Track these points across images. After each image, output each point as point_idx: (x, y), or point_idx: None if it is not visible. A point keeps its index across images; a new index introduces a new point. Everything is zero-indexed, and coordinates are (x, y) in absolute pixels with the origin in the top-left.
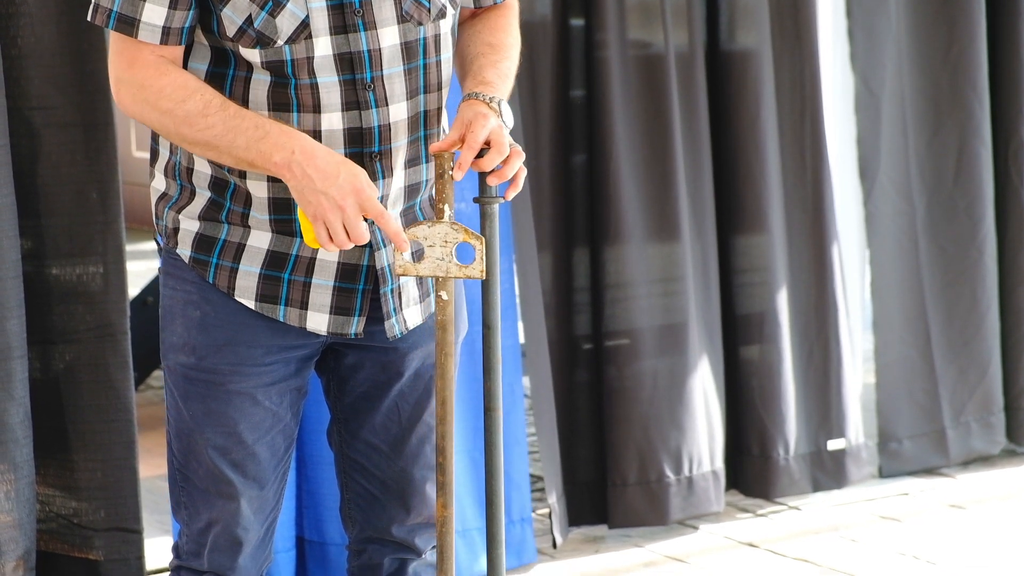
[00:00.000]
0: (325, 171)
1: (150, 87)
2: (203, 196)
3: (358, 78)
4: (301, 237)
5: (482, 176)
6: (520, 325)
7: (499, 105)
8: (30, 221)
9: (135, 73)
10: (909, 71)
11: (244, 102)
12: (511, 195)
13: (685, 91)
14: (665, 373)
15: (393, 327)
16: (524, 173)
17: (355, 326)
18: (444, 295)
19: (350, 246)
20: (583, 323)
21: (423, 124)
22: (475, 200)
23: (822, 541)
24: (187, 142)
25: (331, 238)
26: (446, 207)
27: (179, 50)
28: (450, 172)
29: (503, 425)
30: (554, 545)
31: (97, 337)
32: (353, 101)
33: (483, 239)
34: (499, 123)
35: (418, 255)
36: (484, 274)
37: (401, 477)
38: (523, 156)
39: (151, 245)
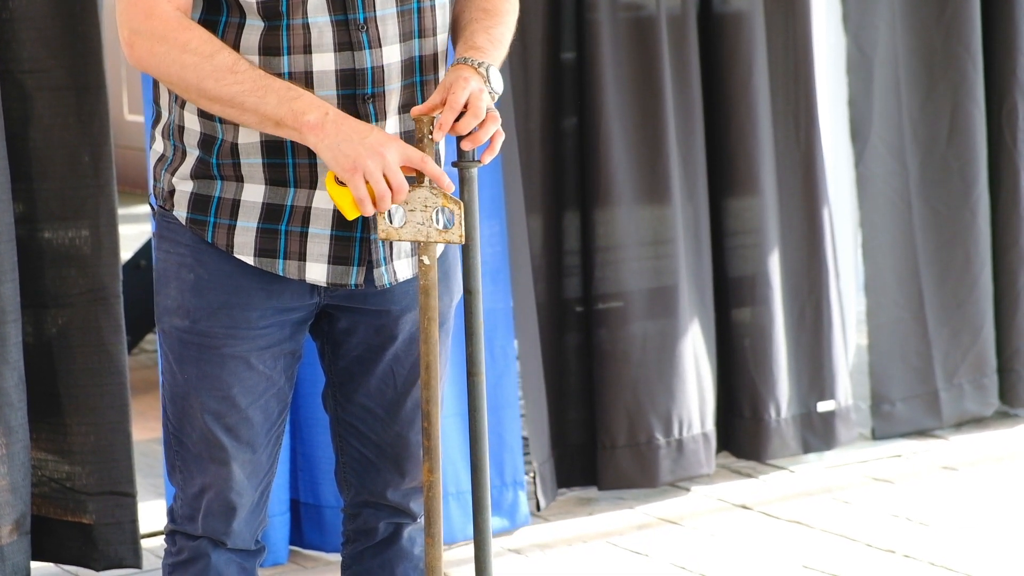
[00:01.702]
0: (360, 128)
1: (173, 40)
2: (192, 155)
3: (351, 18)
4: (295, 188)
5: (458, 140)
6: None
7: (487, 70)
8: (22, 184)
9: (154, 25)
10: (902, 32)
11: (235, 49)
12: (487, 159)
13: (677, 53)
14: (655, 336)
15: (382, 276)
16: (501, 137)
17: (354, 276)
18: (426, 259)
19: (390, 205)
20: (573, 286)
21: (418, 69)
22: (453, 164)
23: (815, 503)
24: (207, 97)
25: (371, 198)
26: None
27: (189, 1)
28: (430, 136)
29: (497, 389)
30: (537, 508)
31: (90, 301)
32: (346, 42)
33: (462, 204)
34: (479, 87)
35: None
36: (463, 239)
37: (396, 441)
38: (499, 121)
39: (143, 208)
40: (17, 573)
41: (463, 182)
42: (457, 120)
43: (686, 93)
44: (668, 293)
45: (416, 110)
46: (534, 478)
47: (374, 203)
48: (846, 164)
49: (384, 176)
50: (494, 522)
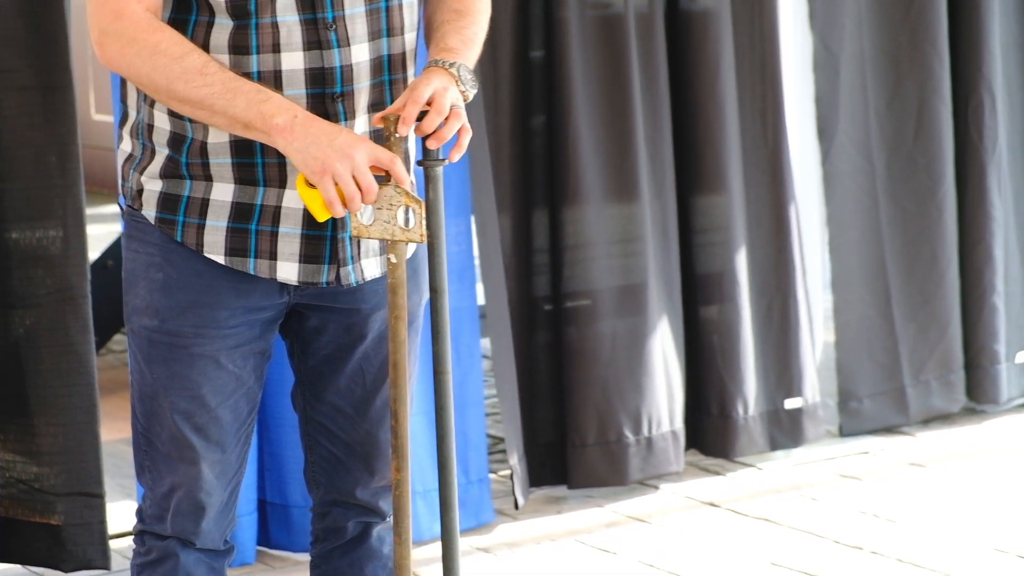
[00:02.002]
0: (329, 129)
1: (143, 41)
2: (161, 154)
3: (319, 17)
4: (265, 187)
5: (424, 139)
6: (480, 287)
7: (459, 71)
8: None
9: (124, 26)
10: (869, 30)
11: (205, 47)
12: (456, 157)
13: (645, 51)
14: (624, 334)
15: (348, 275)
16: (468, 134)
17: (326, 274)
18: (393, 258)
19: (360, 206)
20: (543, 284)
21: (387, 68)
22: (418, 163)
23: (783, 500)
24: (176, 99)
25: (341, 199)
26: None
27: (159, 1)
28: (396, 135)
29: (462, 387)
30: (516, 506)
31: (57, 301)
32: (315, 41)
33: (422, 203)
34: (444, 85)
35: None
36: (424, 238)
37: (366, 440)
38: (462, 118)
39: (111, 208)
40: None
41: (428, 180)
42: (421, 118)
43: (654, 91)
44: (637, 291)
45: (378, 116)
46: (511, 476)
47: (344, 204)
48: (813, 162)
49: (353, 177)
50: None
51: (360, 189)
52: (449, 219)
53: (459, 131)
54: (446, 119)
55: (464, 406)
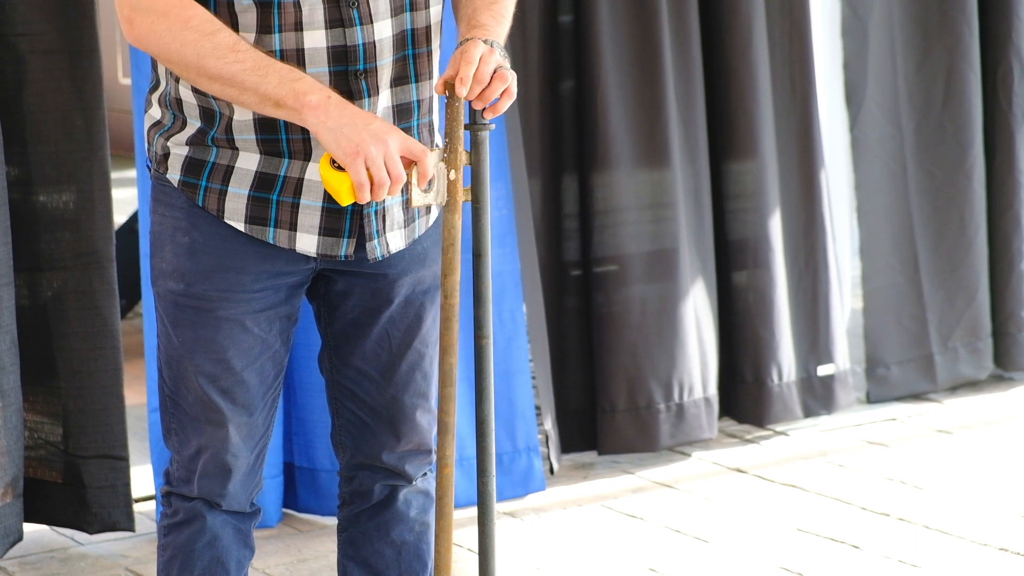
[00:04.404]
0: (364, 114)
1: (175, 17)
2: (193, 125)
3: None
4: (289, 159)
5: (469, 102)
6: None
7: (494, 48)
8: (16, 148)
9: (156, 3)
10: None
11: (228, 26)
12: (488, 116)
13: (676, 15)
14: (655, 300)
15: (375, 249)
16: (509, 98)
17: (344, 248)
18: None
19: (386, 189)
20: (572, 249)
21: (410, 42)
22: (465, 127)
23: (810, 466)
24: (207, 75)
25: (370, 182)
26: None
27: None
28: (454, 96)
29: (507, 353)
30: (551, 471)
31: (83, 264)
32: (337, 19)
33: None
34: (489, 50)
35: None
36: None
37: (392, 404)
38: (506, 81)
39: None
40: (10, 535)
41: (474, 144)
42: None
43: (686, 55)
44: (668, 257)
45: (443, 79)
46: (546, 441)
47: (371, 190)
48: (841, 128)
49: (384, 164)
50: (507, 489)
51: (390, 177)
52: (490, 183)
53: (502, 93)
54: (490, 81)
55: (510, 373)
